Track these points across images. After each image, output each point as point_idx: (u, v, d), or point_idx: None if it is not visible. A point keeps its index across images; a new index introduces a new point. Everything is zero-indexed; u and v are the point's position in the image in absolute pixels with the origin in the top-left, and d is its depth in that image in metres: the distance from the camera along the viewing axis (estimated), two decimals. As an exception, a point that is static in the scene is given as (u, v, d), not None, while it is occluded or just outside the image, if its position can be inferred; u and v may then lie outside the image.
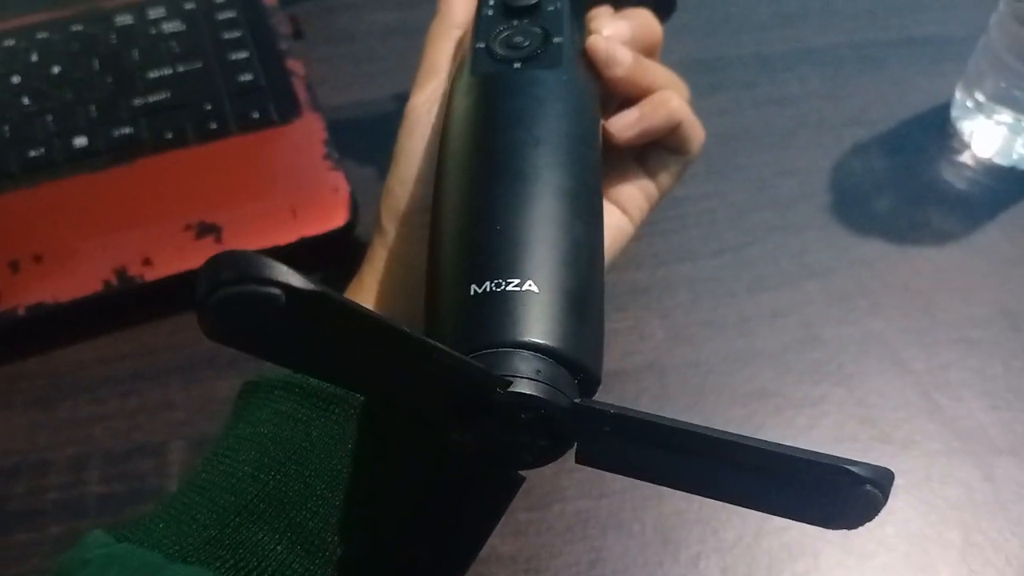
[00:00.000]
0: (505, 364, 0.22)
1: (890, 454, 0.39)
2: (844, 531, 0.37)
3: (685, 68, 0.57)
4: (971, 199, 0.50)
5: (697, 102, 0.55)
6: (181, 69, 0.52)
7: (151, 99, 0.51)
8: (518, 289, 0.23)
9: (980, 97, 0.51)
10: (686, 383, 0.42)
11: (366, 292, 0.35)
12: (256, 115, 0.50)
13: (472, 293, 0.24)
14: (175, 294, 0.43)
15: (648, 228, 0.42)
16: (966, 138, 0.53)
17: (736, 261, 0.47)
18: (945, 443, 0.40)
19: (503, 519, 0.28)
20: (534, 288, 0.23)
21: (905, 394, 0.41)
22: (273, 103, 0.50)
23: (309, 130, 0.49)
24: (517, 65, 0.31)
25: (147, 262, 0.43)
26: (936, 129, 0.54)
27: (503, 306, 0.23)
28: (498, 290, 0.23)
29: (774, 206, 0.49)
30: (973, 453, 0.39)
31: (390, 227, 0.35)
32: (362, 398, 0.27)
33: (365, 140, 0.52)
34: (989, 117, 0.51)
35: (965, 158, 0.52)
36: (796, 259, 0.47)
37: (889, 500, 0.38)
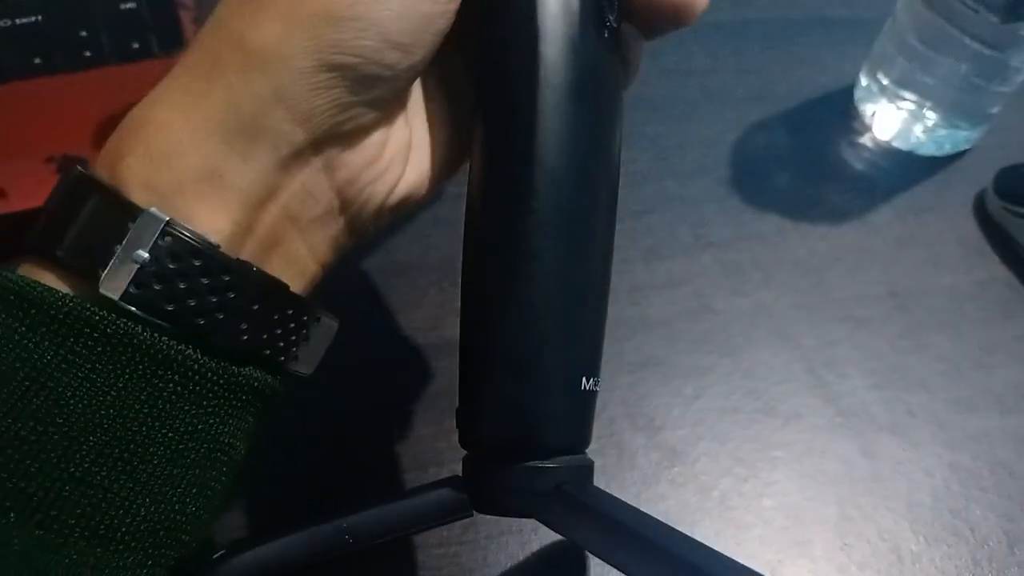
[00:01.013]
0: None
1: (772, 427, 0.39)
2: (722, 502, 0.37)
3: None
4: (868, 180, 0.50)
5: (605, 67, 0.54)
6: (56, -9, 0.48)
7: (19, 21, 0.46)
8: (597, 389, 0.26)
9: (883, 80, 0.51)
10: (575, 349, 0.41)
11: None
12: (136, 45, 0.46)
13: (583, 388, 0.25)
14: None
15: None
16: (867, 120, 0.53)
17: (634, 229, 0.46)
18: (828, 418, 0.39)
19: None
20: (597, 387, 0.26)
21: (791, 368, 0.41)
22: (155, 34, 0.47)
23: (193, 65, 0.46)
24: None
25: (2, 194, 0.40)
26: (839, 110, 0.54)
27: (593, 406, 0.26)
28: (595, 388, 0.26)
29: (675, 176, 0.49)
30: (854, 429, 0.39)
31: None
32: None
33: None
34: (891, 101, 0.51)
35: (865, 140, 0.52)
36: (693, 230, 0.46)
37: (768, 473, 0.38)
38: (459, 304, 0.26)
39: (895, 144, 0.52)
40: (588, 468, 0.26)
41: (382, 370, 0.39)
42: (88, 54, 0.46)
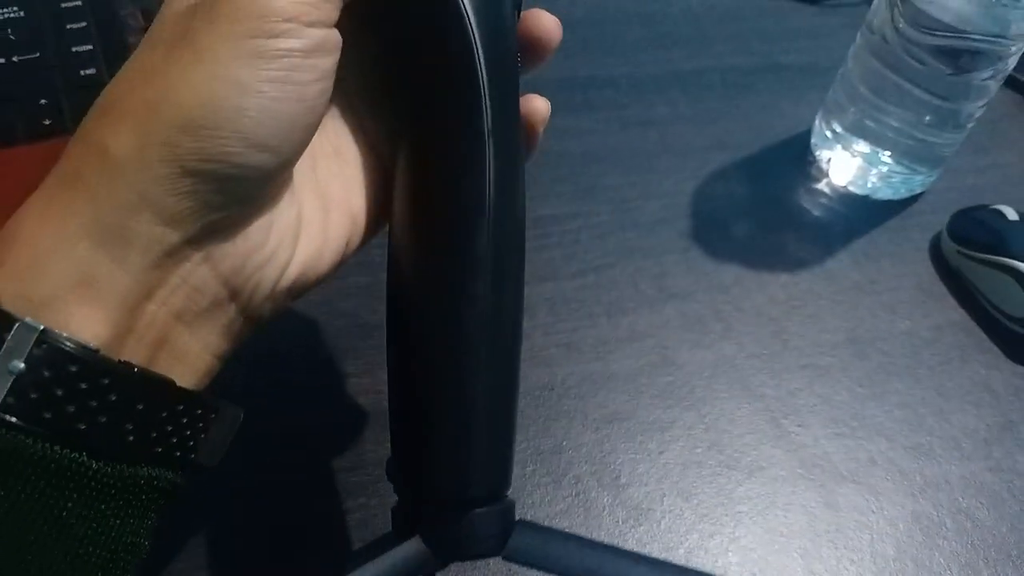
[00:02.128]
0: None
1: (736, 480, 0.39)
2: (688, 559, 0.37)
3: (559, 87, 0.57)
4: (826, 226, 0.51)
5: (568, 121, 0.55)
6: (16, 59, 0.49)
7: (-22, 90, 0.47)
8: None
9: (837, 127, 0.52)
10: (540, 406, 0.41)
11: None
12: (97, 113, 0.46)
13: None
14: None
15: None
16: (824, 166, 0.54)
17: (597, 282, 0.46)
18: (790, 469, 0.40)
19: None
20: None
21: (754, 420, 0.41)
22: (117, 101, 0.47)
23: (155, 131, 0.46)
24: None
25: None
26: (796, 156, 0.55)
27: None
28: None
29: (636, 228, 0.49)
30: (816, 480, 0.39)
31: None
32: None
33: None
34: (846, 148, 0.52)
35: (822, 186, 0.53)
36: (655, 282, 0.47)
37: (733, 528, 0.38)
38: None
39: (851, 189, 0.53)
40: (514, 505, 0.29)
41: (341, 433, 0.39)
42: (48, 122, 0.46)
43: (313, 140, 0.27)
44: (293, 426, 0.38)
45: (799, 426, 0.41)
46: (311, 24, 0.23)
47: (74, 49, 0.50)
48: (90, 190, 0.22)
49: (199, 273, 0.24)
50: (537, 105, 0.30)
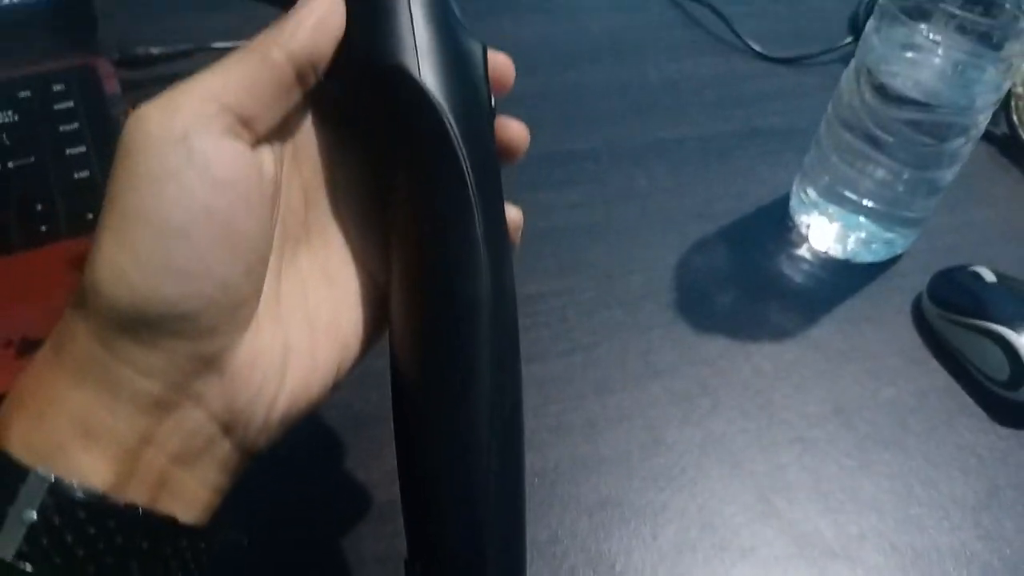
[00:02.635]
0: None
1: (730, 562, 0.40)
2: (684, 647, 0.37)
3: (540, 162, 0.58)
4: (808, 293, 0.52)
5: (550, 196, 0.57)
6: (11, 165, 0.50)
7: (-25, 198, 0.48)
8: None
9: (813, 193, 0.53)
10: (534, 494, 0.41)
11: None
12: (90, 216, 0.47)
13: None
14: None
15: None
16: (803, 231, 0.55)
17: (585, 361, 0.47)
18: (783, 548, 0.40)
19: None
20: None
21: (744, 498, 0.42)
22: (109, 203, 0.48)
23: (147, 232, 0.47)
24: None
25: (-40, 382, 0.40)
26: (776, 222, 0.56)
27: None
28: None
29: (621, 304, 0.50)
30: (808, 558, 0.40)
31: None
32: None
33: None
34: (823, 213, 0.53)
35: (803, 251, 0.54)
36: (642, 358, 0.48)
37: (727, 613, 0.38)
38: None
39: (831, 254, 0.54)
40: None
41: (339, 528, 0.40)
42: (44, 228, 0.47)
43: (303, 267, 0.28)
44: (289, 522, 0.39)
45: (789, 502, 0.42)
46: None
47: (68, 151, 0.51)
48: (73, 350, 0.24)
49: (192, 416, 0.25)
50: (512, 215, 0.31)
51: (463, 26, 0.28)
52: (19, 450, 0.23)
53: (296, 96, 0.27)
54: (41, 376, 0.24)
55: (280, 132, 0.27)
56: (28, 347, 0.42)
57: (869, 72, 0.47)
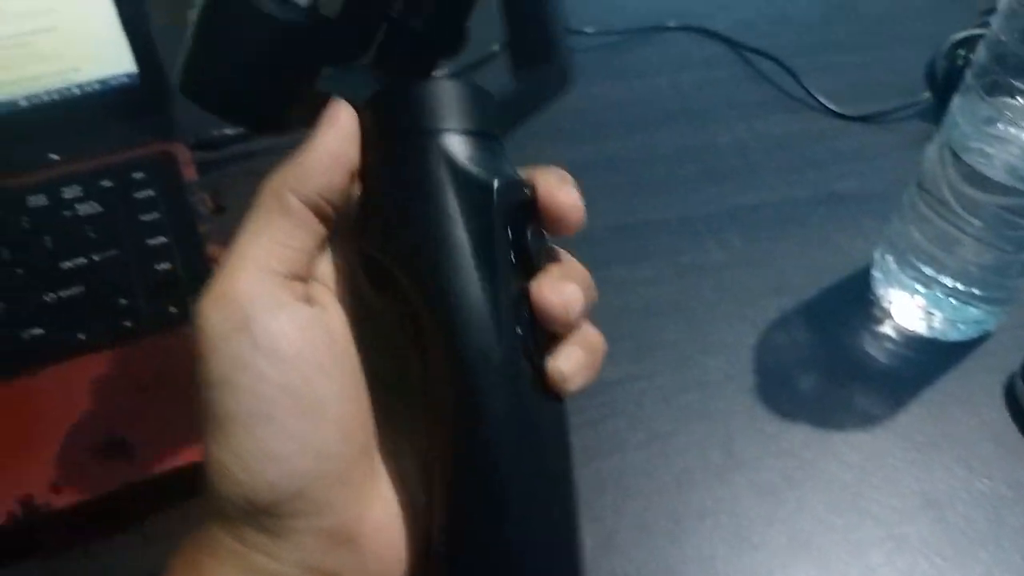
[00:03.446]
0: None
1: (822, 675, 0.39)
2: None
3: (612, 234, 0.58)
4: (893, 374, 0.51)
5: (623, 272, 0.56)
6: (96, 258, 0.51)
7: (63, 294, 0.49)
8: None
9: (896, 270, 0.52)
10: (616, 597, 0.41)
11: None
12: (173, 310, 0.48)
13: None
14: (86, 521, 0.41)
15: (577, 418, 0.41)
16: (886, 306, 0.53)
17: (664, 451, 0.47)
18: (877, 658, 0.39)
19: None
20: None
21: (835, 604, 0.41)
22: (191, 295, 0.49)
23: (227, 325, 0.48)
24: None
25: (54, 488, 0.41)
26: (857, 296, 0.55)
27: None
28: None
29: (700, 388, 0.49)
30: (904, 671, 0.39)
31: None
32: None
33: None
34: (906, 289, 0.52)
35: (887, 328, 0.53)
36: (723, 448, 0.47)
37: None
38: None
39: (917, 331, 0.52)
40: None
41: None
42: (128, 324, 0.48)
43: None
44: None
45: (882, 609, 0.41)
46: None
47: (148, 242, 0.52)
48: (213, 547, 0.25)
49: None
50: (592, 339, 0.29)
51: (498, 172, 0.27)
52: None
53: (323, 231, 0.27)
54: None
55: (324, 273, 0.28)
56: (114, 448, 0.43)
57: (952, 152, 0.46)
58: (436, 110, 0.27)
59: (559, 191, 0.27)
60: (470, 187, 0.26)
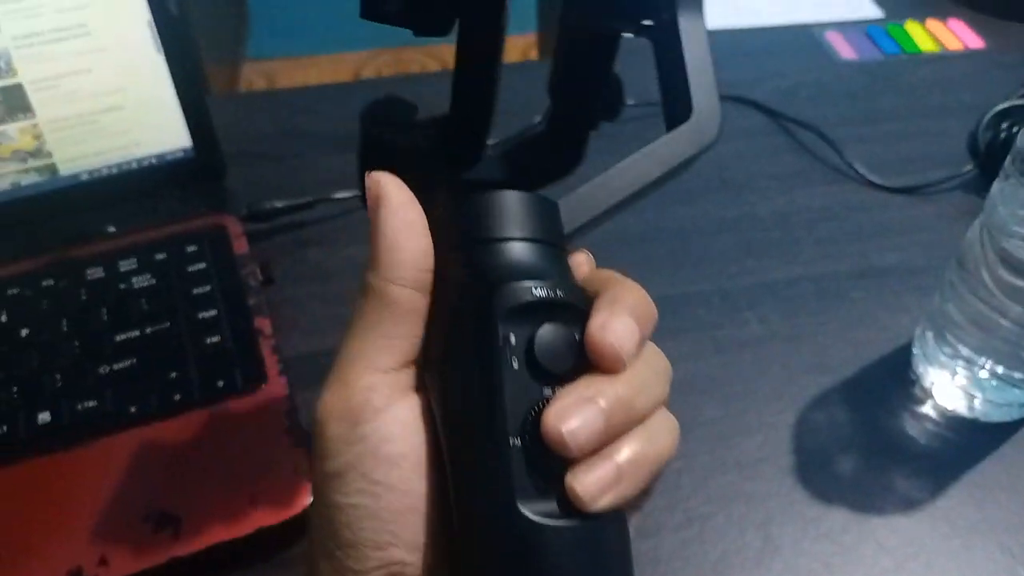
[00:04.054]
0: None
1: None
2: None
3: (650, 307, 0.58)
4: (935, 456, 0.50)
5: (662, 347, 0.56)
6: (149, 331, 0.53)
7: (117, 367, 0.51)
8: None
9: (934, 347, 0.52)
10: None
11: None
12: (221, 383, 0.50)
13: None
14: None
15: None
16: (926, 385, 0.53)
17: (701, 535, 0.46)
18: None
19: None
20: None
21: None
22: (239, 368, 0.51)
23: (273, 399, 0.49)
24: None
25: (103, 562, 0.43)
26: (898, 375, 0.54)
27: None
28: None
29: (738, 468, 0.49)
30: None
31: None
32: None
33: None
34: (947, 369, 0.51)
35: (927, 409, 0.52)
36: (761, 531, 0.47)
37: None
38: None
39: (958, 412, 0.52)
40: None
41: None
42: (178, 397, 0.49)
43: None
44: None
45: None
46: None
47: (200, 315, 0.54)
48: None
49: None
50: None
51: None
52: None
53: (424, 303, 0.28)
54: None
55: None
56: (162, 521, 0.44)
57: (991, 236, 0.46)
58: (484, 220, 0.28)
59: (604, 330, 0.26)
60: (476, 297, 0.26)
